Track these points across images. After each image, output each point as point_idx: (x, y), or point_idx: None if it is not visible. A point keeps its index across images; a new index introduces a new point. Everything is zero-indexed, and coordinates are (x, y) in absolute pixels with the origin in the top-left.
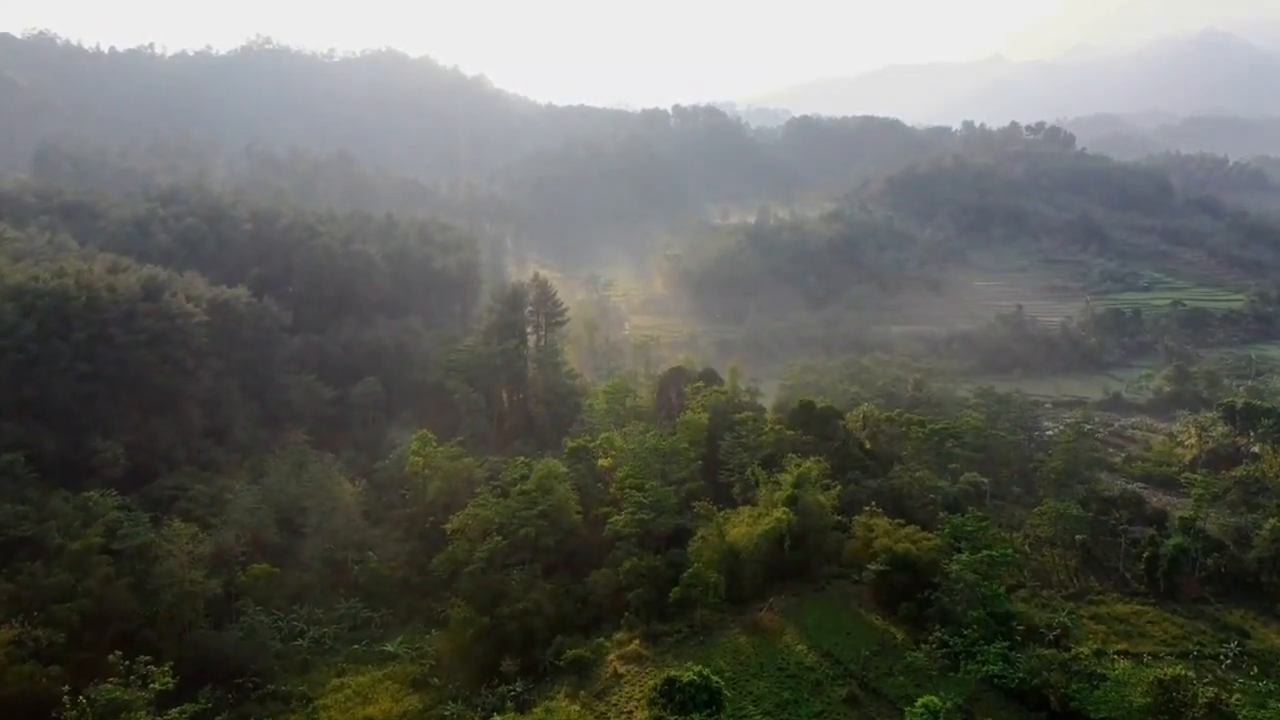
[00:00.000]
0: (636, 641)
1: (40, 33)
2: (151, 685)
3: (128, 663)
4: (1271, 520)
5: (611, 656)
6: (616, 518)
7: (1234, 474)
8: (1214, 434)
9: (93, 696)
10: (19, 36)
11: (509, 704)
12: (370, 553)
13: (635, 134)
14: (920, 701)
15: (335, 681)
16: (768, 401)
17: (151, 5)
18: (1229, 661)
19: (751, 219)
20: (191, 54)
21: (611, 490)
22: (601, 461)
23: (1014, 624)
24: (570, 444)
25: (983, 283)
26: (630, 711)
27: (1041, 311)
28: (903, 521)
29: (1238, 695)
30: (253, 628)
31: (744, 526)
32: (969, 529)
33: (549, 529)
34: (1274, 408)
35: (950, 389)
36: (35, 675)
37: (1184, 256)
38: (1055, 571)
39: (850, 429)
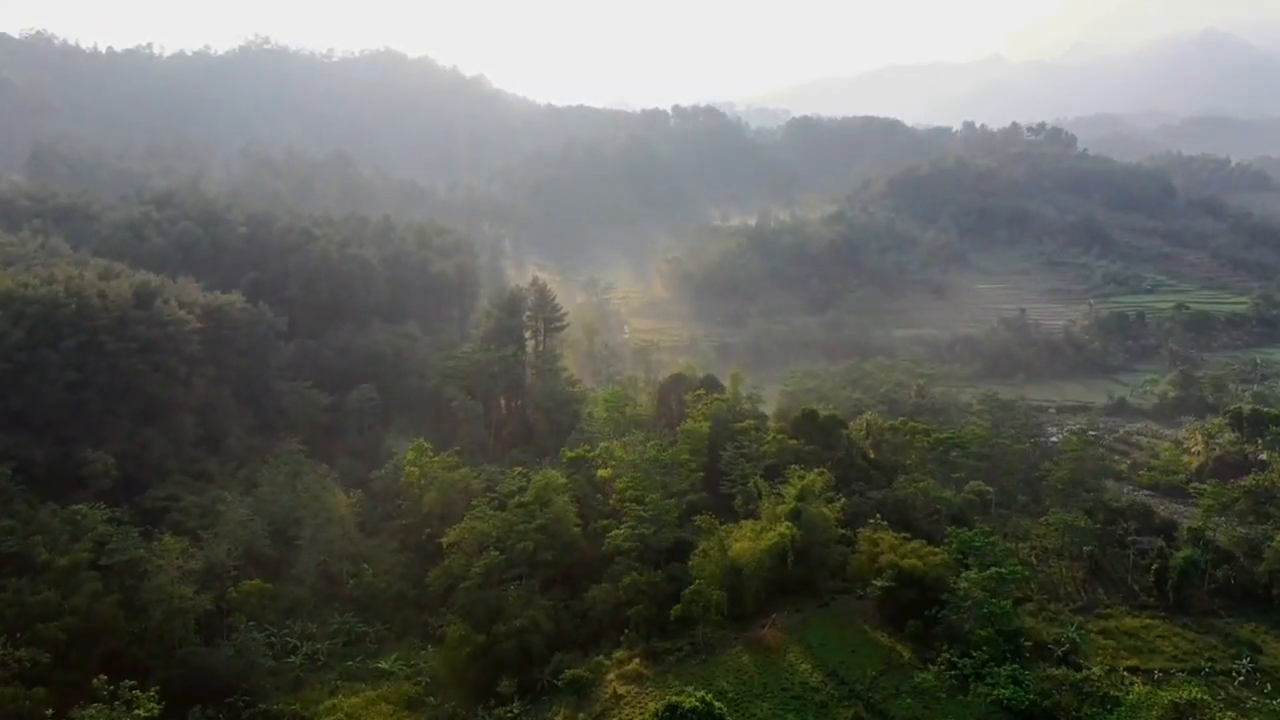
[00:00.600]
0: (637, 660)
1: (38, 32)
2: (136, 711)
3: (112, 687)
4: None
5: (611, 676)
6: (616, 531)
7: (1243, 483)
8: (1221, 441)
9: None
10: (16, 36)
11: None
12: (365, 565)
13: (635, 135)
14: None
15: (328, 702)
16: (769, 408)
17: (150, 5)
18: (1241, 678)
19: (752, 221)
20: (190, 54)
21: (611, 502)
22: (601, 472)
23: (1022, 640)
24: (568, 454)
25: (985, 285)
26: None
27: (1044, 315)
28: (908, 535)
29: (1256, 718)
30: (244, 645)
31: (746, 542)
32: (976, 544)
33: (547, 543)
34: None
35: (953, 394)
36: (19, 698)
37: (1187, 259)
38: (1063, 583)
39: (853, 438)
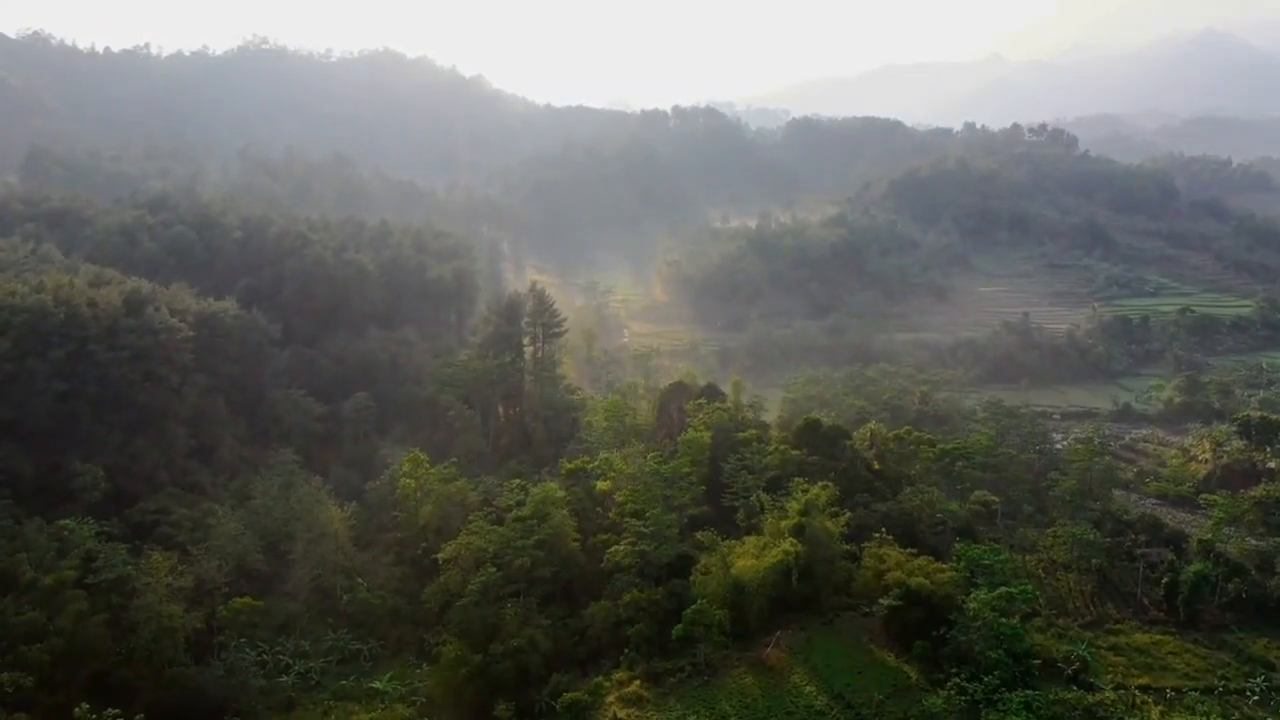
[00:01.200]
0: (637, 682)
1: (35, 33)
2: None
3: (94, 717)
4: None
5: (610, 699)
6: (616, 548)
7: (1253, 494)
8: (1229, 449)
9: None
10: (13, 37)
11: None
12: (360, 579)
13: (634, 136)
14: None
15: None
16: (771, 415)
17: (148, 5)
18: (1256, 697)
19: (752, 222)
20: (188, 54)
21: (611, 515)
22: (600, 484)
23: (1032, 660)
24: (567, 465)
25: (987, 288)
26: None
27: (1047, 318)
28: (915, 551)
29: None
30: (235, 664)
31: (749, 559)
32: (985, 562)
33: (545, 559)
34: None
35: (956, 400)
36: None
37: (1190, 261)
38: (1071, 598)
39: (857, 449)
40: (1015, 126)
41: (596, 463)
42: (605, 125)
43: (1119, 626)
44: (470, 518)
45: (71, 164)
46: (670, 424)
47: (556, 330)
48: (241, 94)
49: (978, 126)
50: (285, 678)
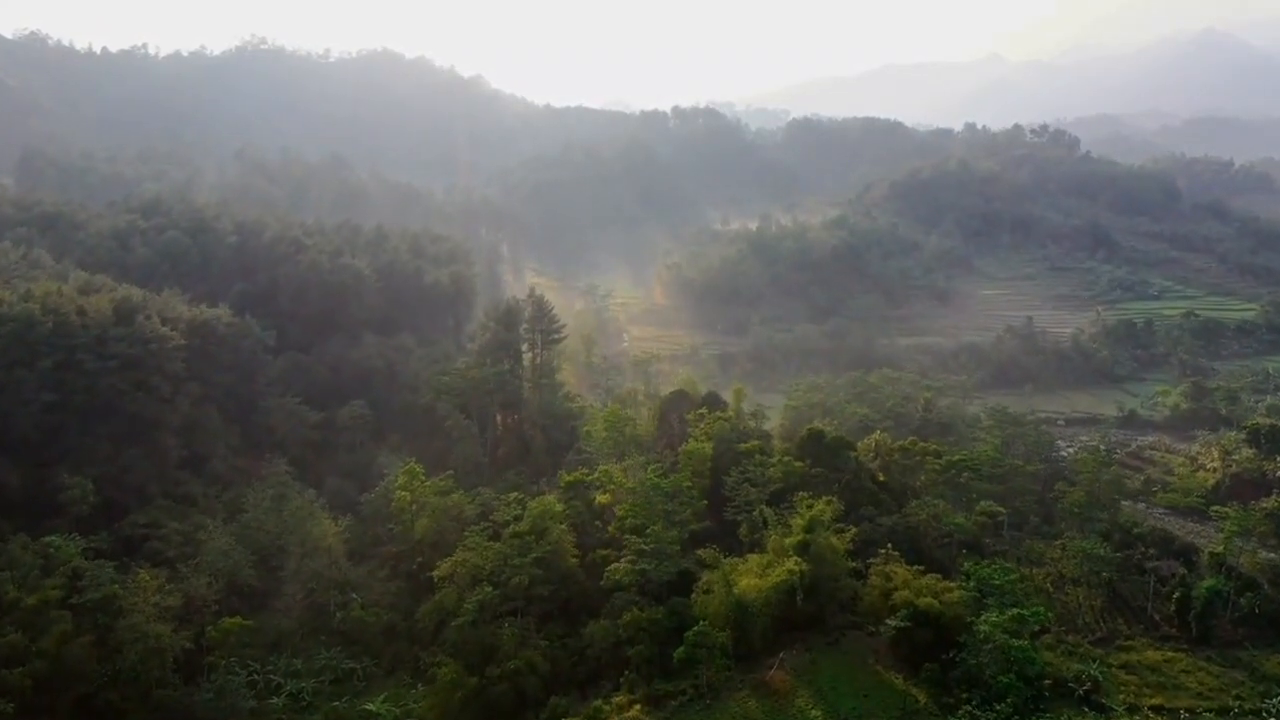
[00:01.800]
0: (637, 706)
1: (32, 33)
2: None
3: None
4: None
5: None
6: (616, 566)
7: (1265, 505)
8: (1238, 457)
9: None
10: (10, 37)
11: None
12: (354, 595)
13: (634, 136)
14: None
15: None
16: (774, 420)
17: (146, 5)
18: (1273, 718)
19: (752, 224)
20: (186, 54)
21: (611, 529)
22: (600, 498)
23: (1044, 680)
24: (566, 478)
25: (990, 291)
26: None
27: (1051, 322)
28: (922, 569)
29: None
30: (224, 685)
31: (753, 578)
32: (996, 581)
33: (543, 576)
34: None
35: (960, 406)
36: None
37: (1194, 263)
38: (1080, 613)
39: (861, 460)
40: (1017, 127)
41: (596, 475)
42: (605, 126)
43: (1130, 643)
44: (467, 533)
45: (66, 166)
46: (671, 434)
47: (555, 336)
48: (239, 94)
49: (979, 127)
50: (276, 699)
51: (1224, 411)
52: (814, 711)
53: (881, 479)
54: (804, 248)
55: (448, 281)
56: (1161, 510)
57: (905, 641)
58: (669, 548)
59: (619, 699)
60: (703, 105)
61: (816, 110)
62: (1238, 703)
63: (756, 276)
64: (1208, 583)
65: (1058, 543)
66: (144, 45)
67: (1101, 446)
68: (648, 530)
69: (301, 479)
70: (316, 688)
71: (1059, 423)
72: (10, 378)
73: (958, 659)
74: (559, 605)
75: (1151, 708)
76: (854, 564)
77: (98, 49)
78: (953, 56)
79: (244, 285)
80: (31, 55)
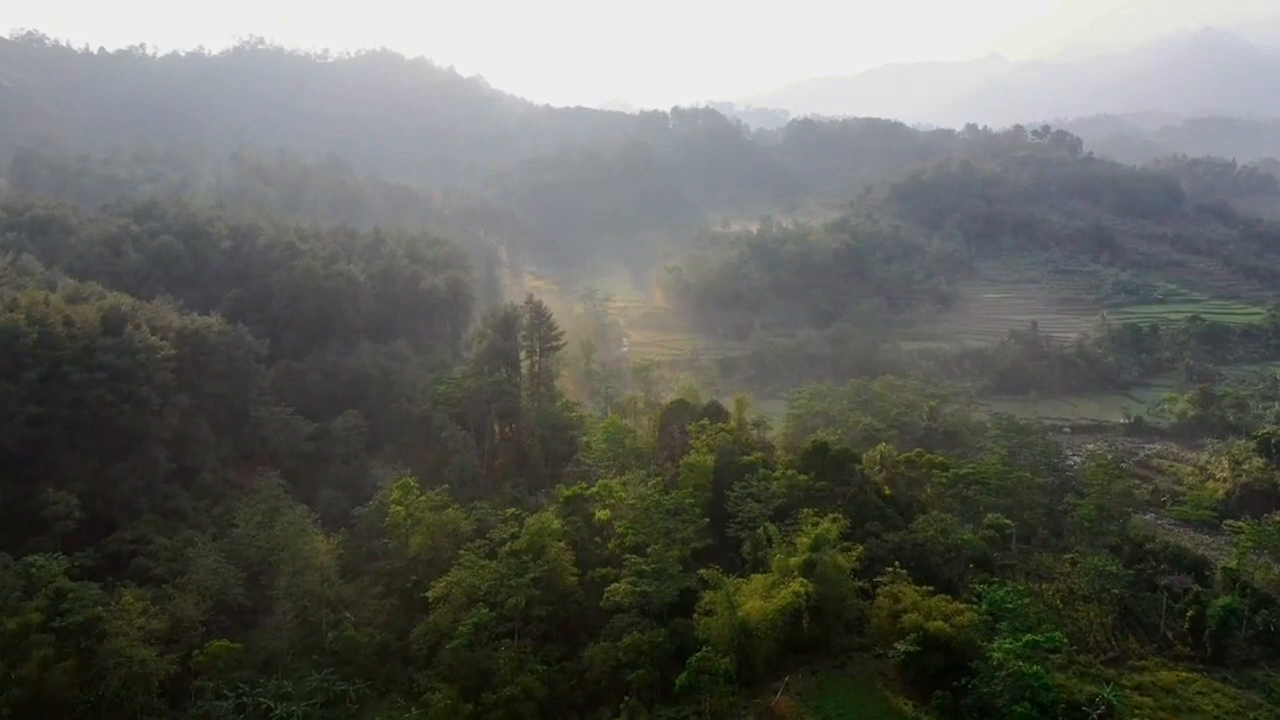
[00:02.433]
0: None
1: (29, 33)
2: None
3: None
4: None
5: None
6: (616, 586)
7: (1277, 518)
8: (1248, 467)
9: None
10: (7, 37)
11: None
12: (346, 613)
13: (633, 137)
14: None
15: None
16: (776, 427)
17: (144, 5)
18: None
19: (753, 226)
20: (183, 55)
21: (611, 546)
22: (599, 513)
23: (1058, 707)
24: (565, 492)
25: (993, 295)
26: None
27: (1055, 327)
28: (931, 589)
29: None
30: (210, 711)
31: (757, 600)
32: (1009, 605)
33: (541, 597)
34: None
35: (965, 413)
36: None
37: (1198, 266)
38: (1092, 631)
39: (867, 473)
40: (1018, 128)
41: (595, 489)
42: (604, 126)
43: (1143, 663)
44: (462, 550)
45: (61, 168)
46: (672, 445)
47: (554, 344)
48: (237, 94)
49: (979, 127)
50: None
51: (1232, 419)
52: None
53: (887, 492)
54: (805, 251)
55: (445, 287)
56: (1170, 522)
57: (914, 666)
58: (671, 568)
59: None
60: (702, 105)
61: (816, 110)
62: None
63: (757, 280)
64: (1223, 601)
65: (1067, 557)
66: (142, 45)
67: (1108, 454)
68: (649, 549)
69: (294, 491)
70: (307, 711)
71: (1065, 430)
72: None
73: (969, 686)
74: (557, 625)
75: None
76: (860, 583)
77: (95, 49)
78: (953, 56)
79: (237, 291)
80: (28, 55)
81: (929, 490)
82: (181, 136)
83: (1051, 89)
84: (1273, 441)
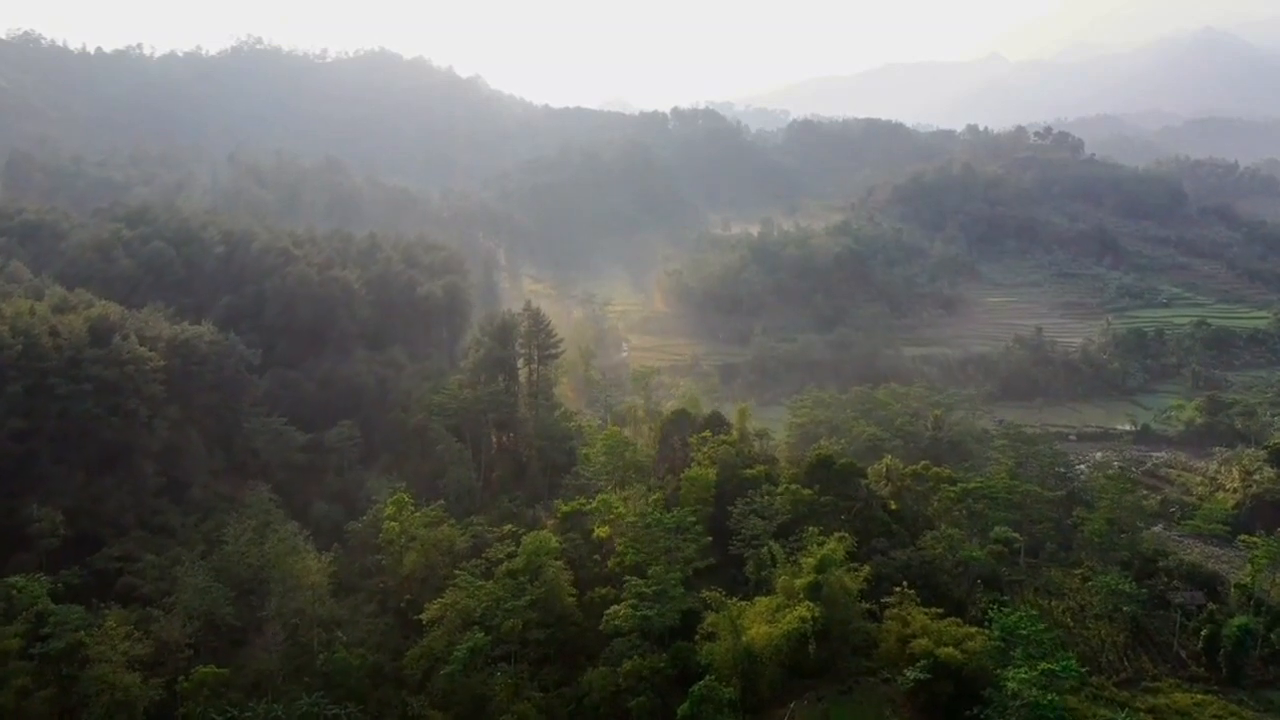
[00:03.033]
0: None
1: (25, 33)
2: None
3: None
4: None
5: None
6: (616, 609)
7: None
8: (1259, 478)
9: None
10: (4, 37)
11: None
12: (339, 632)
13: (632, 138)
14: None
15: None
16: (778, 434)
17: (142, 5)
18: None
19: (753, 229)
20: (181, 55)
21: (610, 564)
22: (598, 530)
23: None
24: (563, 508)
25: (996, 299)
26: None
27: (1059, 331)
28: (940, 611)
29: None
30: None
31: (762, 625)
32: (1023, 631)
33: (538, 619)
34: None
35: (970, 421)
36: None
37: (1202, 269)
38: (1105, 651)
39: (873, 487)
40: (1020, 129)
41: (594, 504)
42: (603, 127)
43: (1157, 685)
44: (458, 571)
45: (55, 170)
46: (672, 457)
47: (552, 351)
48: (235, 94)
49: (980, 128)
50: None
51: (1240, 427)
52: None
53: (893, 507)
54: (807, 254)
55: (442, 293)
56: (1180, 533)
57: (924, 693)
58: (672, 590)
59: None
60: (702, 105)
61: (816, 110)
62: None
63: (758, 284)
64: (1238, 621)
65: (1077, 572)
66: (139, 45)
67: (1116, 463)
68: (649, 571)
69: (287, 504)
70: None
71: (1070, 438)
72: None
73: (982, 715)
74: (555, 648)
75: None
76: (868, 605)
77: (92, 49)
78: (953, 56)
79: (231, 298)
80: (26, 55)
81: (936, 504)
82: (178, 137)
83: (1051, 89)
84: None
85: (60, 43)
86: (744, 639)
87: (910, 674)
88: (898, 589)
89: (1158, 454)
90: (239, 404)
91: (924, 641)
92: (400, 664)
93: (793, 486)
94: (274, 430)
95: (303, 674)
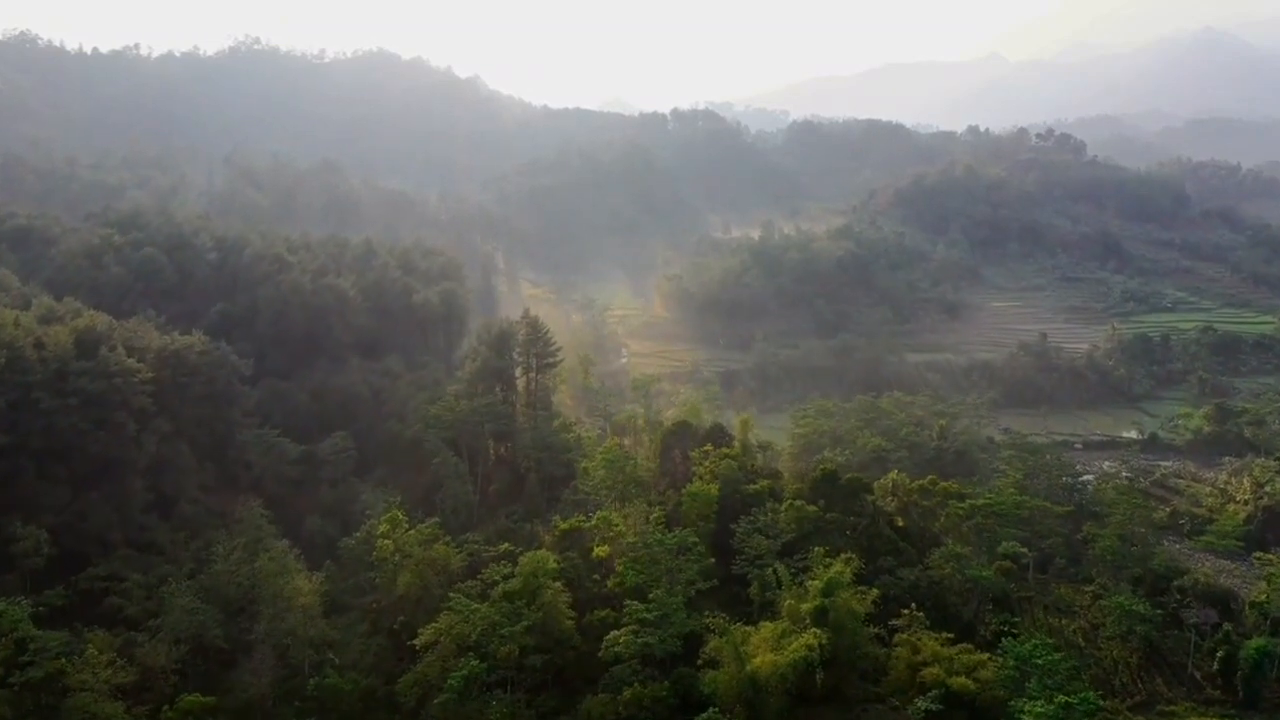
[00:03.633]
0: None
1: (21, 33)
2: None
3: None
4: None
5: None
6: (615, 635)
7: None
8: (1270, 489)
9: None
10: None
11: None
12: (331, 654)
13: (632, 140)
14: None
15: None
16: (781, 443)
17: (140, 5)
18: None
19: (754, 231)
20: (179, 55)
21: (610, 584)
22: (598, 550)
23: None
24: (562, 525)
25: (1000, 304)
26: None
27: (1064, 336)
28: (951, 636)
29: None
30: None
31: (767, 652)
32: (1037, 660)
33: (536, 644)
34: None
35: (975, 430)
36: None
37: (1206, 273)
38: (1117, 673)
39: (879, 503)
40: (1021, 130)
41: (594, 521)
42: (602, 128)
43: (1172, 708)
44: (452, 593)
45: (47, 172)
46: (674, 471)
47: (551, 360)
48: (233, 95)
49: (980, 129)
50: None
51: (1249, 436)
52: None
53: (900, 523)
54: (808, 258)
55: (438, 300)
56: (1191, 547)
57: None
58: (674, 614)
59: None
60: (701, 106)
61: (816, 110)
62: None
63: (760, 289)
64: (1256, 642)
65: (1088, 589)
66: (136, 45)
67: (1124, 474)
68: (651, 595)
69: (279, 519)
70: None
71: (1076, 447)
72: None
73: None
74: (553, 674)
75: None
76: (876, 629)
77: (89, 49)
78: (953, 56)
79: (223, 306)
80: (21, 56)
81: (943, 520)
82: (175, 138)
83: (1051, 89)
84: None
85: (57, 43)
86: (748, 667)
87: (921, 704)
88: (906, 611)
89: (1165, 463)
90: (230, 416)
91: (935, 670)
92: (393, 688)
93: (797, 503)
94: (266, 443)
95: (293, 698)
